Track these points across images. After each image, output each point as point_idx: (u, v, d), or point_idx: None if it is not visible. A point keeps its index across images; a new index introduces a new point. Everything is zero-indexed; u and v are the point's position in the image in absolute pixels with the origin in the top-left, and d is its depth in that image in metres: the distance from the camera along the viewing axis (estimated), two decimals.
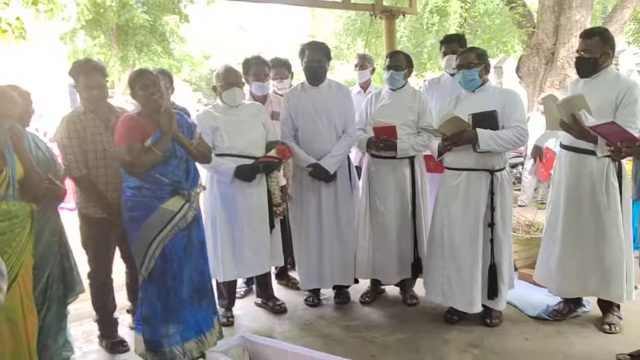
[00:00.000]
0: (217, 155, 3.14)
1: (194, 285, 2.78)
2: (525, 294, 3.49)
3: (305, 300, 3.69)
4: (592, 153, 2.80)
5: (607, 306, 3.14)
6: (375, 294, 3.72)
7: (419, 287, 3.57)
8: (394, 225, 3.46)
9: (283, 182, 3.55)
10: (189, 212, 2.74)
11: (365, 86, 4.19)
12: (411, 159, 3.47)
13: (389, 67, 3.46)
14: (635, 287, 3.15)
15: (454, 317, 3.26)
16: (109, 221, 2.92)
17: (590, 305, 3.32)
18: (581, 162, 2.99)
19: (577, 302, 3.29)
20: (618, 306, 3.13)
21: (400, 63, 3.46)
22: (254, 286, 3.79)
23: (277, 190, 3.40)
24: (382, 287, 3.76)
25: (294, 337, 3.19)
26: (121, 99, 13.92)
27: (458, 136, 2.99)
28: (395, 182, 3.46)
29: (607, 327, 3.07)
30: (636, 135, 2.54)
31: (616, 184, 2.95)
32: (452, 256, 3.15)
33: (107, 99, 3.04)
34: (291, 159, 3.42)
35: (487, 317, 3.21)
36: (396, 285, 3.65)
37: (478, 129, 2.97)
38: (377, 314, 3.48)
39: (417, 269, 3.50)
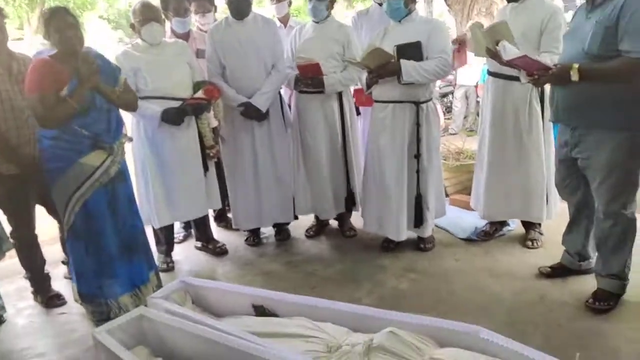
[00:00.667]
0: (141, 98, 2.98)
1: (124, 241, 2.74)
2: (456, 219, 3.67)
3: (246, 240, 3.71)
4: (517, 79, 2.87)
5: (529, 224, 3.37)
6: (320, 227, 3.78)
7: (357, 219, 3.66)
8: (325, 160, 3.48)
9: (214, 123, 3.45)
10: (112, 166, 2.63)
11: (284, 20, 4.02)
12: (339, 93, 3.46)
13: None
14: None
15: (389, 245, 3.39)
16: (23, 177, 2.74)
17: (515, 224, 3.55)
18: (506, 88, 3.08)
19: (503, 222, 3.50)
20: (539, 223, 3.35)
21: None
22: (192, 230, 3.76)
23: (208, 133, 3.31)
24: (327, 220, 3.82)
25: (235, 277, 3.22)
26: (34, 41, 12.82)
27: (382, 68, 2.98)
28: (325, 117, 3.44)
29: (529, 243, 3.30)
30: (555, 60, 2.64)
31: (538, 108, 3.08)
32: (382, 188, 3.23)
33: (7, 42, 2.76)
34: (220, 99, 3.32)
35: (421, 243, 3.36)
36: (335, 218, 3.72)
37: (401, 60, 2.97)
38: (317, 248, 3.56)
39: (350, 202, 3.57)
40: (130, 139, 3.01)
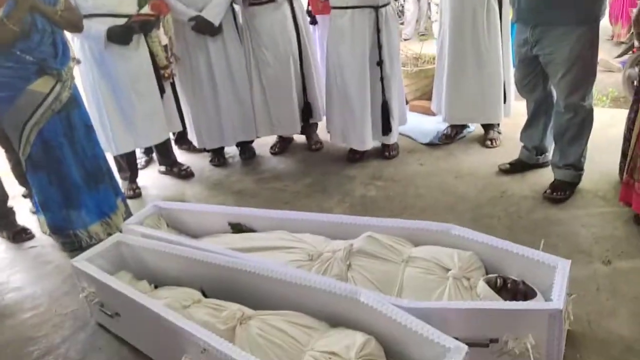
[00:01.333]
0: (83, 17, 2.76)
1: (87, 169, 2.70)
2: (417, 124, 3.73)
3: (211, 161, 3.66)
4: None
5: (488, 125, 3.46)
6: (284, 144, 3.76)
7: (324, 133, 3.66)
8: (284, 74, 3.38)
9: (165, 41, 3.26)
10: (63, 92, 2.52)
11: None
12: (290, 2, 3.30)
13: None
14: None
15: (355, 155, 3.44)
16: None
17: (474, 126, 3.64)
18: None
19: (463, 125, 3.59)
20: (498, 123, 3.45)
21: None
22: (154, 155, 3.67)
23: (160, 51, 3.14)
24: (290, 136, 3.80)
25: (206, 199, 3.22)
26: None
27: None
28: (278, 28, 3.30)
29: (489, 142, 3.42)
30: None
31: (496, 8, 3.06)
32: (345, 98, 3.21)
33: None
34: (169, 15, 3.12)
35: (385, 151, 3.42)
36: (301, 133, 3.71)
37: None
38: (284, 164, 3.57)
39: (307, 113, 3.53)
40: (79, 62, 2.85)
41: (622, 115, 2.83)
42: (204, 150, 3.70)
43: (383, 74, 3.15)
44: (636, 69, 3.66)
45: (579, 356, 1.75)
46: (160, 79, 3.16)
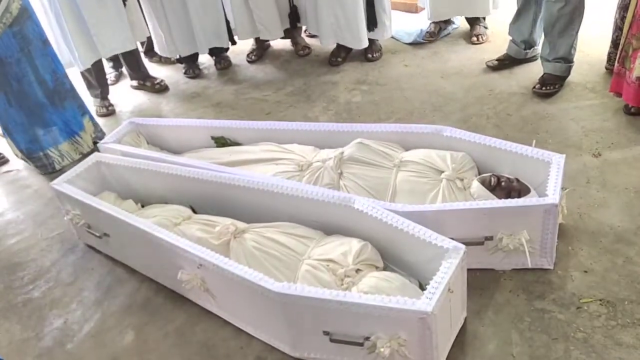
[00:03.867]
0: None
1: (48, 86, 2.58)
2: (400, 23, 3.54)
3: (185, 73, 3.48)
4: None
5: (474, 19, 3.31)
6: (261, 50, 3.57)
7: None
8: None
9: None
10: (12, 3, 2.34)
11: None
12: None
13: None
14: None
15: (337, 59, 3.29)
16: None
17: (459, 21, 3.48)
18: None
19: (447, 20, 3.42)
20: (484, 17, 3.30)
21: None
22: (124, 70, 3.47)
23: None
24: (267, 42, 3.60)
25: (184, 112, 3.09)
26: None
27: None
28: None
29: (475, 38, 3.28)
30: None
31: None
32: None
33: None
34: None
35: (369, 53, 3.27)
36: (285, 38, 3.50)
37: None
38: (263, 72, 3.40)
39: (294, 17, 3.33)
40: None
41: (610, 2, 2.70)
42: (177, 61, 3.50)
43: None
44: None
45: (570, 248, 1.78)
46: None
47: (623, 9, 2.41)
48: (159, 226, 1.76)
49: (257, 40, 3.50)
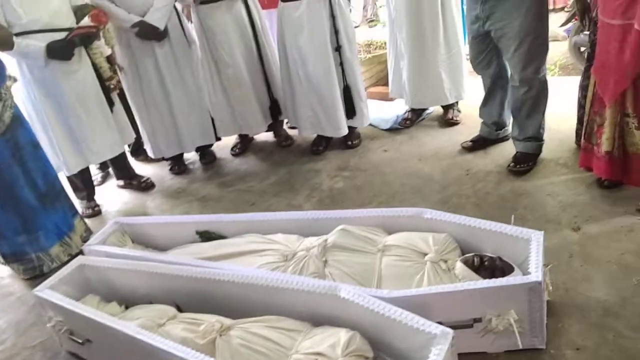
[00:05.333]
0: (17, 35, 2.62)
1: (40, 189, 2.62)
2: (376, 111, 3.71)
3: (170, 169, 3.56)
4: None
5: (447, 104, 3.47)
6: (245, 143, 3.68)
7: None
8: (245, 73, 3.31)
9: (108, 51, 3.13)
10: (5, 113, 2.43)
11: None
12: None
13: None
14: None
15: (319, 148, 3.40)
16: None
17: (433, 107, 3.65)
18: None
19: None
20: (456, 101, 3.47)
21: None
22: (110, 170, 3.54)
23: (103, 63, 3.02)
24: (251, 135, 3.73)
25: (169, 209, 3.12)
26: None
27: None
28: (234, 27, 3.23)
29: (449, 122, 3.43)
30: None
31: None
32: (311, 88, 3.17)
33: None
34: (110, 23, 2.99)
35: (349, 140, 3.39)
36: (268, 130, 3.63)
37: None
38: (247, 164, 3.49)
39: (275, 110, 3.48)
40: (15, 80, 2.71)
41: (573, 82, 2.88)
42: (162, 159, 3.58)
43: (343, 59, 3.12)
44: (582, 36, 3.73)
45: (560, 325, 1.76)
46: (107, 91, 3.04)
47: (584, 88, 2.56)
48: (143, 328, 1.73)
49: (241, 134, 3.62)
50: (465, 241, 1.95)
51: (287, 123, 3.76)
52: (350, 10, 8.33)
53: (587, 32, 2.61)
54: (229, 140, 3.68)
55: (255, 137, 3.77)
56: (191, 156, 3.66)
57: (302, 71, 3.15)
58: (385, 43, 3.97)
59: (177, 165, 3.55)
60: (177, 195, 3.27)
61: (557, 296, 1.87)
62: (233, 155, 3.63)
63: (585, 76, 2.52)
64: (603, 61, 2.19)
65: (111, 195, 3.41)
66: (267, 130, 3.62)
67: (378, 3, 7.99)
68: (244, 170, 3.41)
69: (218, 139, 3.55)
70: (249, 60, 3.31)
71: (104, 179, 3.60)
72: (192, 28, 3.37)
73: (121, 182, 3.45)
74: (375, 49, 4.40)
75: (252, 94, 3.36)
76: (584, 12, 2.48)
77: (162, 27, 3.06)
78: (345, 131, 3.28)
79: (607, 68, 2.16)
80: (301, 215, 2.23)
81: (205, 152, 3.60)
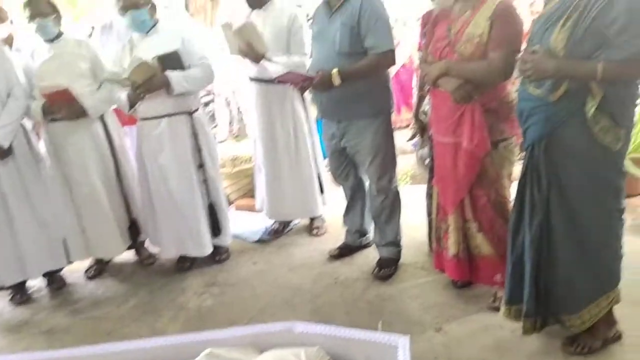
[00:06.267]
0: None
1: None
2: (244, 224, 3.70)
3: (11, 299, 3.11)
4: (275, 82, 3.05)
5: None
6: (102, 265, 3.38)
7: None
8: (101, 192, 3.12)
9: None
10: None
11: (9, 42, 3.40)
12: (101, 116, 3.15)
13: (32, 17, 2.91)
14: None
15: (184, 265, 3.24)
16: None
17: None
18: (268, 90, 3.21)
19: None
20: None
21: (42, 9, 2.91)
22: None
23: None
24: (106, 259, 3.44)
25: (9, 345, 2.69)
26: None
27: (150, 82, 2.82)
28: (91, 144, 3.08)
29: (315, 231, 3.53)
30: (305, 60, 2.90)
31: (300, 107, 3.29)
32: (174, 206, 3.07)
33: None
34: None
35: (216, 256, 3.29)
36: (129, 249, 3.39)
37: (168, 72, 2.85)
38: (103, 287, 3.19)
39: (135, 230, 3.30)
40: None
41: (423, 190, 3.16)
42: (1, 288, 3.15)
43: (206, 176, 3.11)
44: (425, 150, 4.18)
45: None
46: None
47: (429, 196, 2.82)
48: None
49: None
50: (337, 352, 1.92)
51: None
52: (216, 126, 8.61)
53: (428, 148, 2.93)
54: (84, 262, 3.37)
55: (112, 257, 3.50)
56: (36, 282, 3.26)
57: (163, 190, 3.06)
58: (250, 157, 4.08)
59: (19, 294, 3.12)
60: (18, 329, 2.84)
61: None
62: (88, 278, 3.30)
63: (429, 186, 2.80)
64: (441, 174, 2.47)
65: None
66: (127, 249, 3.38)
67: (244, 119, 8.34)
68: (100, 295, 3.10)
69: (70, 262, 3.23)
70: (105, 179, 3.14)
71: None
72: (42, 145, 3.16)
73: None
74: (241, 162, 4.49)
75: (108, 214, 3.16)
76: (422, 131, 2.83)
77: (6, 145, 2.83)
78: (210, 250, 3.19)
79: (445, 180, 2.43)
80: (162, 342, 2.04)
81: (53, 277, 3.23)
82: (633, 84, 1.87)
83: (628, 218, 2.96)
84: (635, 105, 1.92)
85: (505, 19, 2.15)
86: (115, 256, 3.36)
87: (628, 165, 2.99)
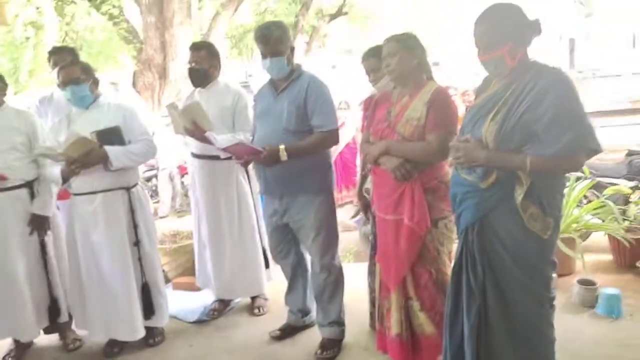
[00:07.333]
0: None
1: None
2: (182, 303, 3.53)
3: None
4: (219, 158, 3.05)
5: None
6: (21, 350, 3.07)
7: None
8: (20, 269, 2.88)
9: None
10: None
11: None
12: (29, 188, 2.98)
13: None
14: None
15: (113, 349, 3.01)
16: None
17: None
18: (212, 167, 3.20)
19: None
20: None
21: None
22: None
23: None
24: (23, 341, 3.14)
25: None
26: None
27: (87, 157, 2.74)
28: (14, 218, 2.87)
29: (257, 310, 3.40)
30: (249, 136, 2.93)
31: (244, 181, 3.28)
32: (104, 286, 2.88)
33: None
34: None
35: (149, 338, 3.07)
36: (49, 332, 3.12)
37: (106, 147, 2.78)
38: None
39: (54, 312, 3.05)
40: None
41: (365, 268, 3.15)
42: None
43: (141, 253, 2.96)
44: (369, 226, 4.22)
45: None
46: None
47: (372, 273, 2.81)
48: None
49: (14, 339, 3.05)
50: None
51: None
52: (158, 202, 8.42)
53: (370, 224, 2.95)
54: (3, 345, 3.06)
55: (35, 341, 3.20)
56: None
57: (94, 269, 2.89)
58: (191, 233, 3.97)
59: None
60: None
61: None
62: None
63: (372, 262, 2.79)
64: (384, 251, 2.48)
65: None
66: (49, 332, 3.11)
67: (188, 195, 8.21)
68: None
69: None
70: (27, 254, 2.92)
71: None
72: None
73: None
74: (182, 238, 4.36)
75: (26, 292, 2.90)
76: (366, 208, 2.87)
77: None
78: (142, 334, 2.99)
79: (387, 257, 2.44)
80: None
81: None
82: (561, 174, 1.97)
83: (562, 297, 3.08)
84: (563, 196, 2.01)
85: (441, 104, 2.29)
86: (31, 339, 3.07)
87: (560, 246, 3.14)
